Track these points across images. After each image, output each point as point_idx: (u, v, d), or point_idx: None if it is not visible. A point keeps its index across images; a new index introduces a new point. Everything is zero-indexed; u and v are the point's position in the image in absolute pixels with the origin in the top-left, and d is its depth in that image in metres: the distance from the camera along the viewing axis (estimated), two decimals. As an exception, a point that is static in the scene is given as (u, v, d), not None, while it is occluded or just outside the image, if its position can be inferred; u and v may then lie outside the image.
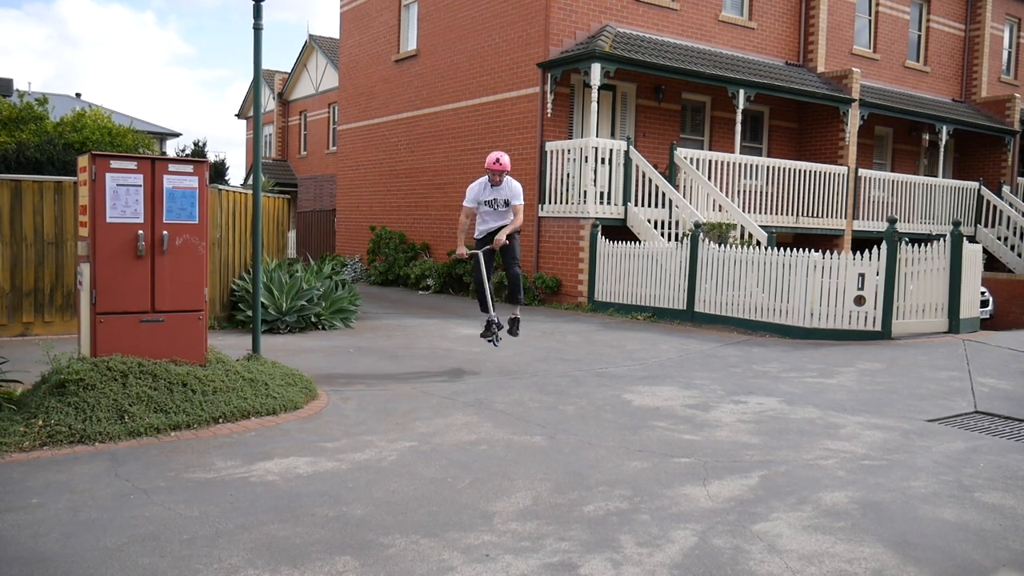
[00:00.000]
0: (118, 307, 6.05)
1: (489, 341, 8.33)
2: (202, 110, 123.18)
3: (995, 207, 20.56)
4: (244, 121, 38.51)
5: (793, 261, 11.33)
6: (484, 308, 8.23)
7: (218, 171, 26.63)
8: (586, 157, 14.42)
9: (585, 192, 14.44)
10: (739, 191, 16.05)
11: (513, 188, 8.08)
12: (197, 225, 6.33)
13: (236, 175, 42.12)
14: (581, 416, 6.43)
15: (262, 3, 7.26)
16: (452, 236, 17.96)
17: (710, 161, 15.65)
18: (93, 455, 5.03)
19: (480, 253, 8.08)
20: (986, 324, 13.34)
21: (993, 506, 4.53)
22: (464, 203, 8.18)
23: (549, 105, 15.29)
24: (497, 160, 7.93)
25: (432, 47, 18.77)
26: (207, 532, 3.89)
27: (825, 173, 17.49)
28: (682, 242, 12.86)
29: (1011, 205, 20.82)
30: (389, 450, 5.35)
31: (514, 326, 8.52)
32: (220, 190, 10.66)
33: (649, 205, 14.75)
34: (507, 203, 8.07)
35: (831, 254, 11.13)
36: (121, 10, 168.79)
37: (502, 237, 7.91)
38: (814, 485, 4.82)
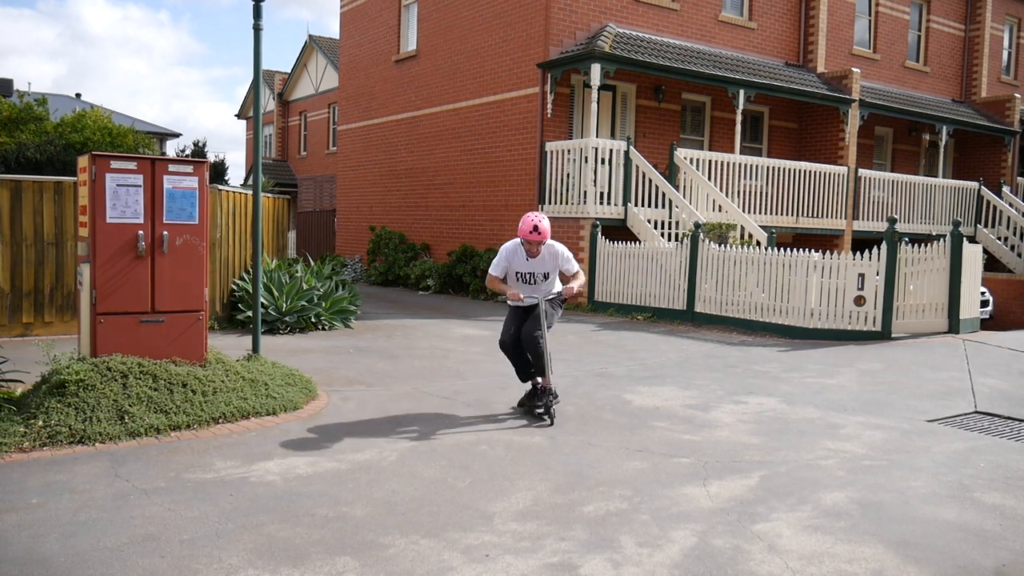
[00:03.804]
0: (118, 307, 6.05)
1: (528, 405, 6.52)
2: (211, 109, 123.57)
3: (995, 207, 20.55)
4: (244, 121, 38.51)
5: (793, 261, 11.34)
6: (523, 376, 6.65)
7: (218, 171, 26.63)
8: (586, 157, 14.42)
9: (585, 192, 14.45)
10: (739, 191, 16.05)
11: (558, 256, 6.43)
12: (197, 225, 6.33)
13: (237, 175, 42.15)
14: (581, 416, 6.43)
15: (262, 3, 7.28)
16: (452, 236, 17.96)
17: (710, 161, 15.64)
18: (93, 455, 5.03)
19: (542, 300, 6.39)
20: (986, 324, 13.34)
21: (993, 506, 4.53)
22: (491, 271, 6.46)
23: (549, 105, 15.29)
24: (535, 228, 6.11)
25: (432, 47, 18.77)
26: (207, 532, 3.89)
27: (825, 173, 17.49)
28: (682, 242, 12.86)
29: (1011, 205, 20.81)
30: (389, 450, 5.35)
31: (537, 397, 6.47)
32: (220, 190, 10.66)
33: (649, 205, 14.75)
34: (547, 276, 6.44)
35: (831, 254, 11.13)
36: (135, 10, 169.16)
37: (575, 286, 6.43)
38: (814, 485, 4.82)
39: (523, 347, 6.40)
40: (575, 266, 6.53)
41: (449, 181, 18.29)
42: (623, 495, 4.57)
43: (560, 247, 6.48)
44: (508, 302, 6.43)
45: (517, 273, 6.42)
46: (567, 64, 14.85)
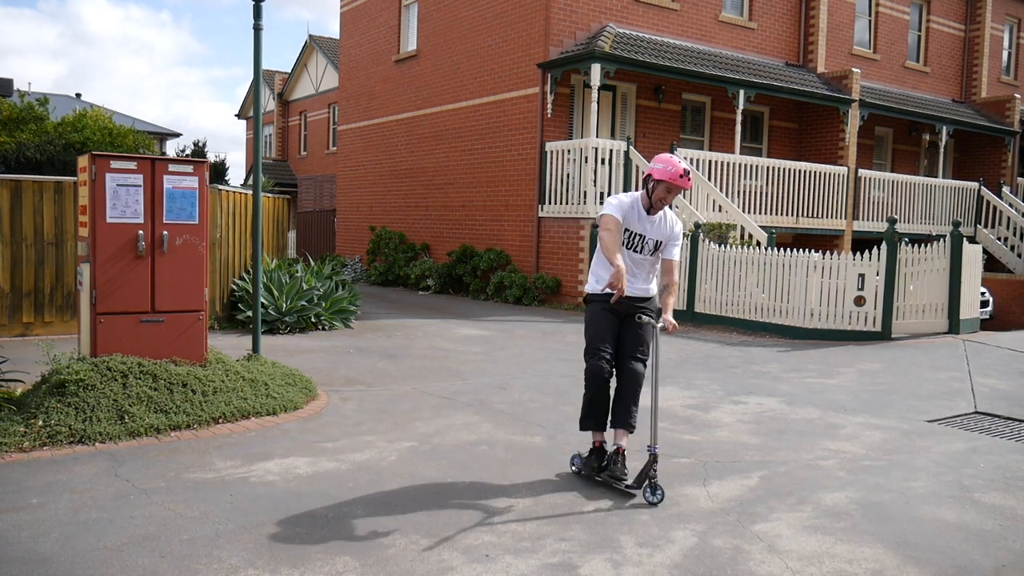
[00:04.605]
0: (118, 307, 6.05)
1: (608, 475, 4.68)
2: (212, 109, 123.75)
3: (995, 207, 20.55)
4: (244, 121, 38.52)
5: (793, 261, 11.34)
6: (599, 423, 4.88)
7: (218, 171, 26.64)
8: (586, 157, 14.42)
9: (585, 192, 14.45)
10: (739, 191, 16.05)
11: (674, 227, 4.92)
12: (197, 225, 6.33)
13: (237, 175, 42.14)
14: (581, 416, 6.43)
15: (262, 3, 7.28)
16: (452, 236, 17.95)
17: (710, 161, 15.64)
18: (93, 455, 5.03)
19: (648, 323, 4.73)
20: (986, 324, 13.34)
21: (993, 506, 4.53)
22: (610, 211, 4.70)
23: (549, 105, 15.29)
24: (686, 172, 4.66)
25: (432, 47, 18.77)
26: (207, 532, 3.89)
27: (825, 173, 17.49)
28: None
29: (1011, 205, 20.80)
30: (389, 450, 5.35)
31: (618, 464, 4.66)
32: (220, 190, 10.66)
33: (649, 205, 14.71)
34: (657, 247, 4.88)
35: (831, 254, 11.14)
36: (136, 10, 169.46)
37: (671, 317, 4.71)
38: (814, 485, 4.82)
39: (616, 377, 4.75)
40: (679, 252, 4.96)
41: (449, 181, 18.28)
42: (623, 495, 4.57)
43: (678, 220, 4.97)
44: (606, 287, 4.50)
45: (628, 232, 4.79)
46: (567, 64, 14.85)
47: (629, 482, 4.61)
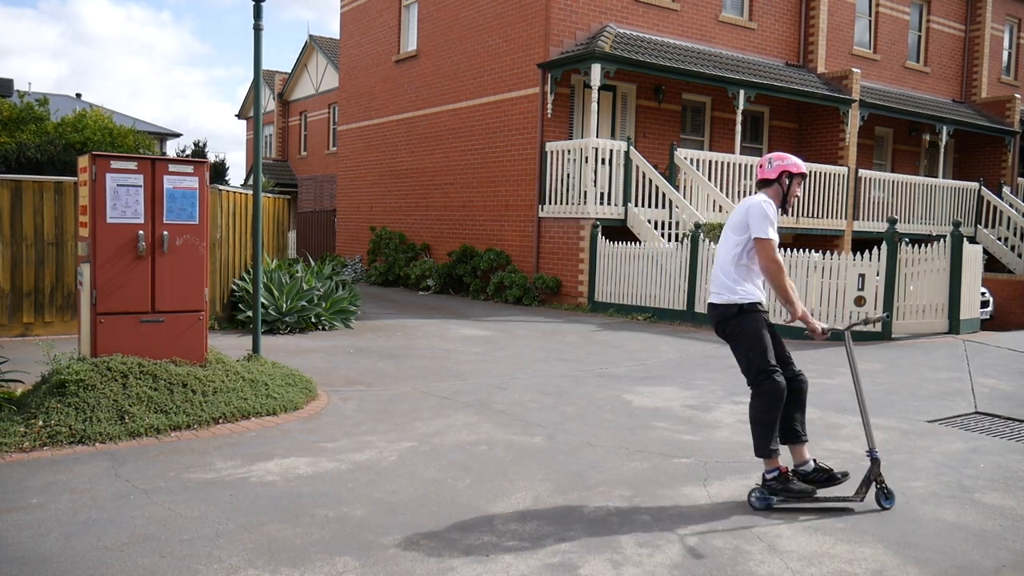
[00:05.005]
0: (118, 307, 6.05)
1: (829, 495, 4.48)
2: (212, 109, 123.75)
3: (995, 207, 20.55)
4: (244, 121, 38.52)
5: (793, 261, 11.34)
6: (774, 446, 4.41)
7: (218, 171, 26.67)
8: (586, 157, 14.42)
9: (585, 192, 14.45)
10: (739, 191, 16.04)
11: None
12: (197, 225, 6.33)
13: (237, 175, 42.16)
14: (581, 416, 6.43)
15: (262, 3, 7.29)
16: (452, 236, 17.95)
17: (710, 161, 15.65)
18: (93, 455, 5.03)
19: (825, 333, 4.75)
20: (986, 324, 13.34)
21: (993, 506, 4.53)
22: (771, 234, 4.44)
23: (549, 105, 15.29)
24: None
25: (432, 48, 18.78)
26: (207, 532, 3.89)
27: (825, 173, 17.49)
28: (682, 243, 12.87)
29: (1011, 205, 20.80)
30: (389, 450, 5.35)
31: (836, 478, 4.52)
32: (220, 190, 10.67)
33: (649, 205, 14.75)
34: None
35: (831, 254, 11.14)
36: (137, 10, 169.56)
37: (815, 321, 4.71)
38: (814, 485, 4.81)
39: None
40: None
41: (449, 181, 18.29)
42: (623, 495, 4.57)
43: None
44: (810, 331, 4.70)
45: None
46: (567, 64, 14.85)
47: (850, 494, 4.41)
